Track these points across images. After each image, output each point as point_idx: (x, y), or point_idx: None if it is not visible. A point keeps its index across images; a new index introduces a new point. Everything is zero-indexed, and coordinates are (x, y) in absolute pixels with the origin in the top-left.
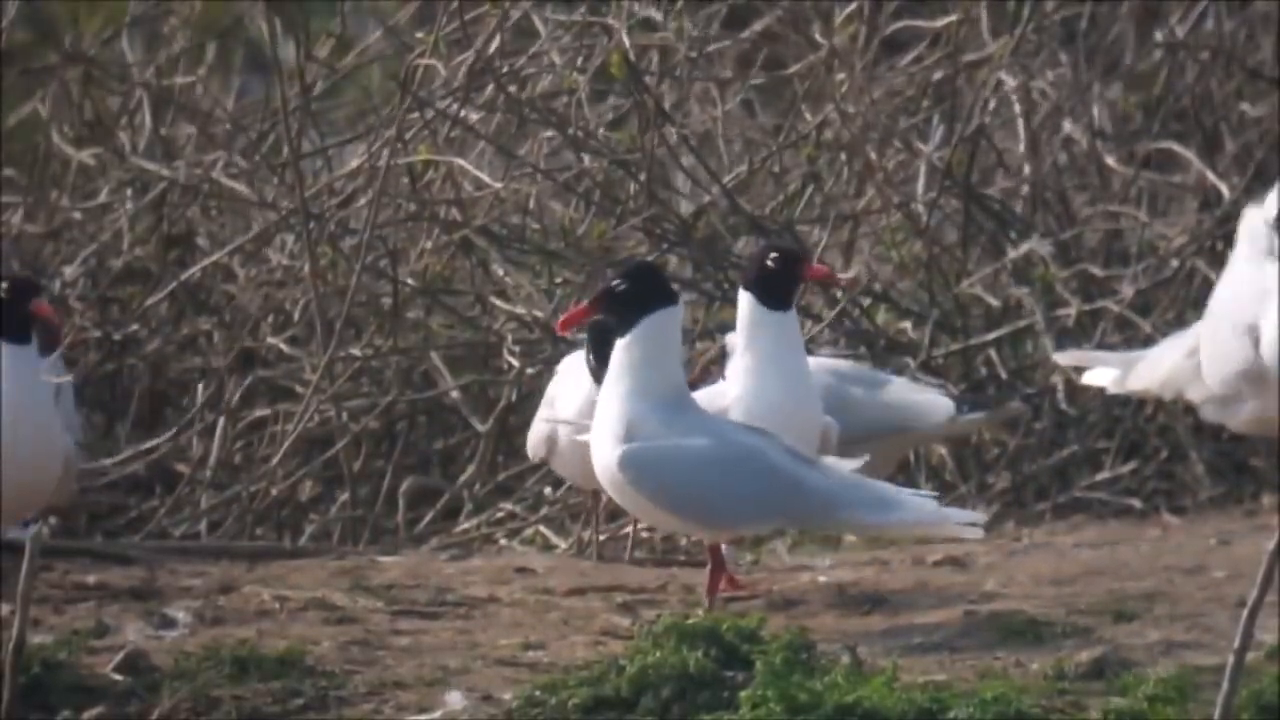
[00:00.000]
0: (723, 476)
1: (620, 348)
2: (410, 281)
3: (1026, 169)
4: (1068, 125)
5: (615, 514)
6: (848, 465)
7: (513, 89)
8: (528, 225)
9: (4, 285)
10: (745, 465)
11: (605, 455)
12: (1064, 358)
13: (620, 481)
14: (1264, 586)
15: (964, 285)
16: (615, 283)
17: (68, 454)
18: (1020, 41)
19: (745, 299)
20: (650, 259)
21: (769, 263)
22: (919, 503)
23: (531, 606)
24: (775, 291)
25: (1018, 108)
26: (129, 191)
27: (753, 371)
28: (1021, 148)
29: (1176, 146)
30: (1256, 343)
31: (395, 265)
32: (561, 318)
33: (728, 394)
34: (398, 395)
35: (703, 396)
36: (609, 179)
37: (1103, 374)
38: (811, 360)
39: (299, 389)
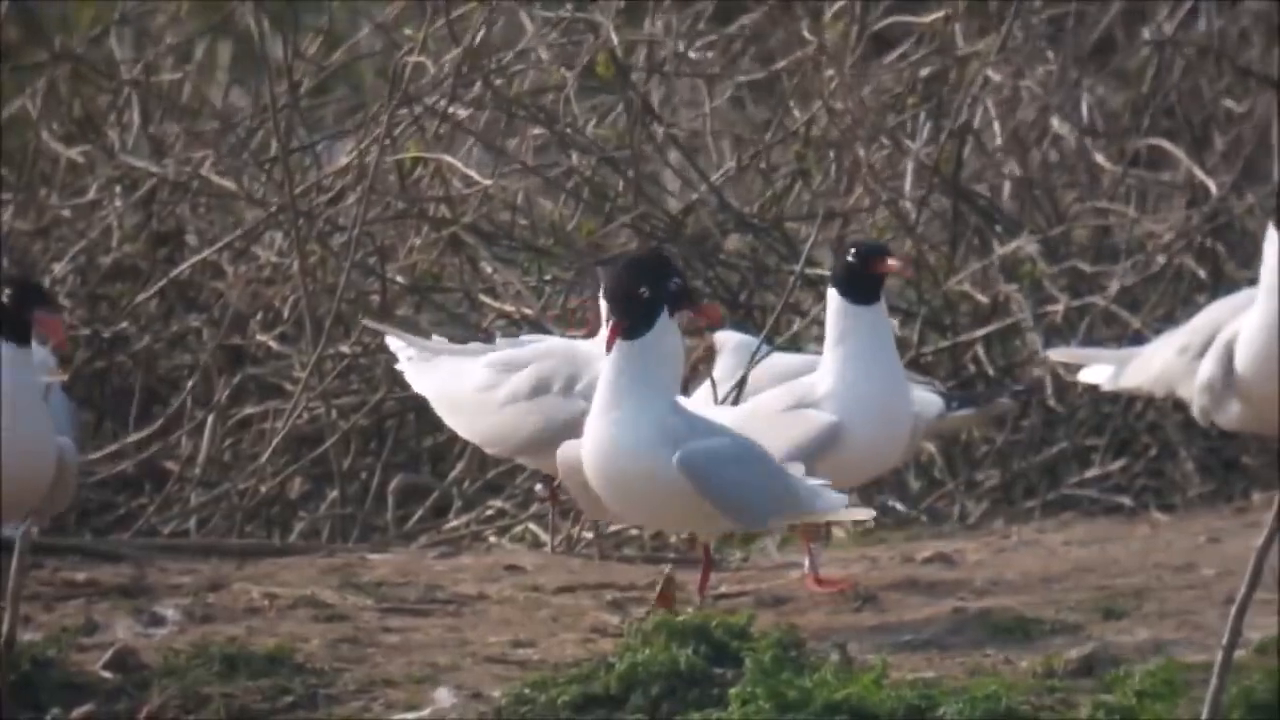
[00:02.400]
0: (762, 473)
1: (634, 352)
2: (399, 279)
3: (1014, 166)
4: (1055, 122)
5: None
6: None
7: (499, 83)
8: (516, 222)
9: (6, 291)
10: (767, 462)
11: (645, 460)
12: (1057, 354)
13: (672, 484)
14: (1253, 583)
15: (952, 282)
16: (641, 290)
17: (64, 453)
18: (1007, 38)
19: (832, 295)
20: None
21: (849, 258)
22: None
23: (521, 604)
24: (859, 286)
25: (997, 108)
26: (118, 189)
27: (845, 367)
28: (1009, 145)
29: (1165, 143)
30: (1232, 353)
31: (384, 262)
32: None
33: (817, 389)
34: (387, 393)
35: (788, 390)
36: (598, 176)
37: (1097, 372)
38: (801, 358)
39: (288, 386)
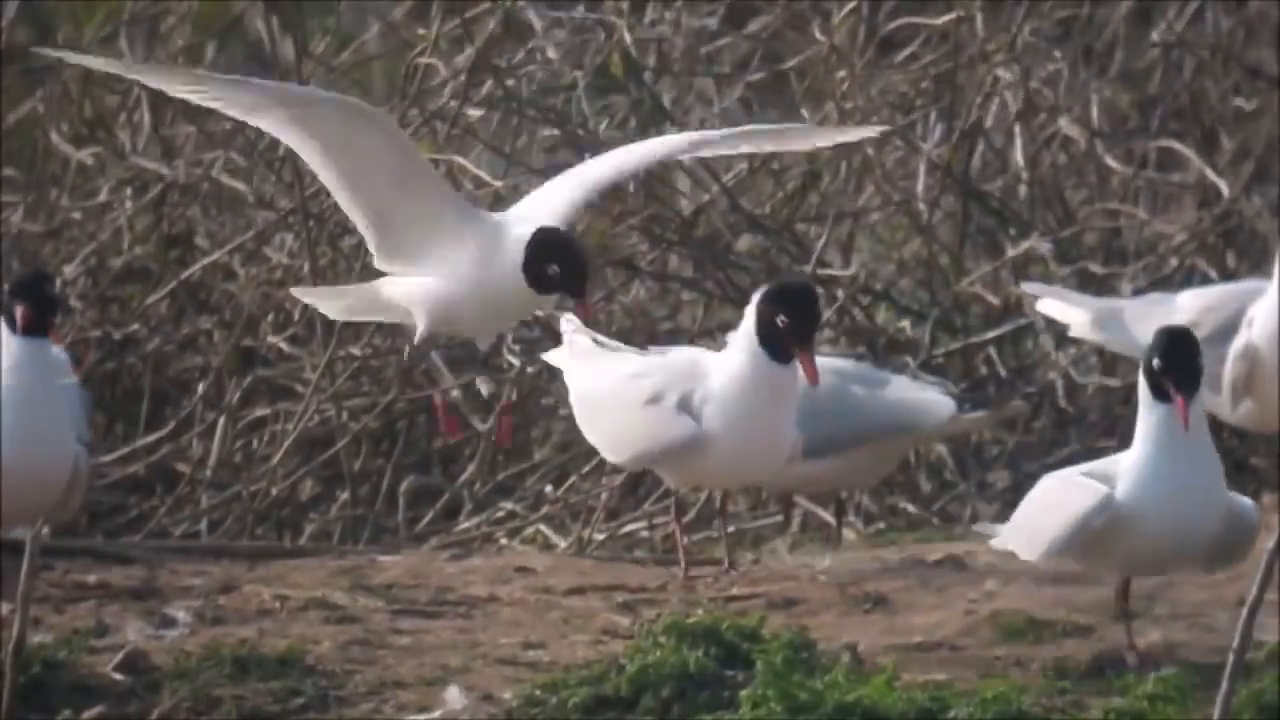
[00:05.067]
0: None
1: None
2: None
3: (1023, 166)
4: (1064, 123)
5: (615, 513)
6: None
7: (510, 83)
8: None
9: (32, 297)
10: None
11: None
12: (1029, 288)
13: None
14: (1263, 585)
15: (964, 284)
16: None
17: (77, 460)
18: (1017, 39)
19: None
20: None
21: (776, 318)
22: None
23: (532, 606)
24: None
25: (1014, 106)
26: (128, 190)
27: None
28: (1020, 145)
29: (1176, 145)
30: (1250, 325)
31: None
32: None
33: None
34: (398, 394)
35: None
36: None
37: (1064, 311)
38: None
39: (299, 388)
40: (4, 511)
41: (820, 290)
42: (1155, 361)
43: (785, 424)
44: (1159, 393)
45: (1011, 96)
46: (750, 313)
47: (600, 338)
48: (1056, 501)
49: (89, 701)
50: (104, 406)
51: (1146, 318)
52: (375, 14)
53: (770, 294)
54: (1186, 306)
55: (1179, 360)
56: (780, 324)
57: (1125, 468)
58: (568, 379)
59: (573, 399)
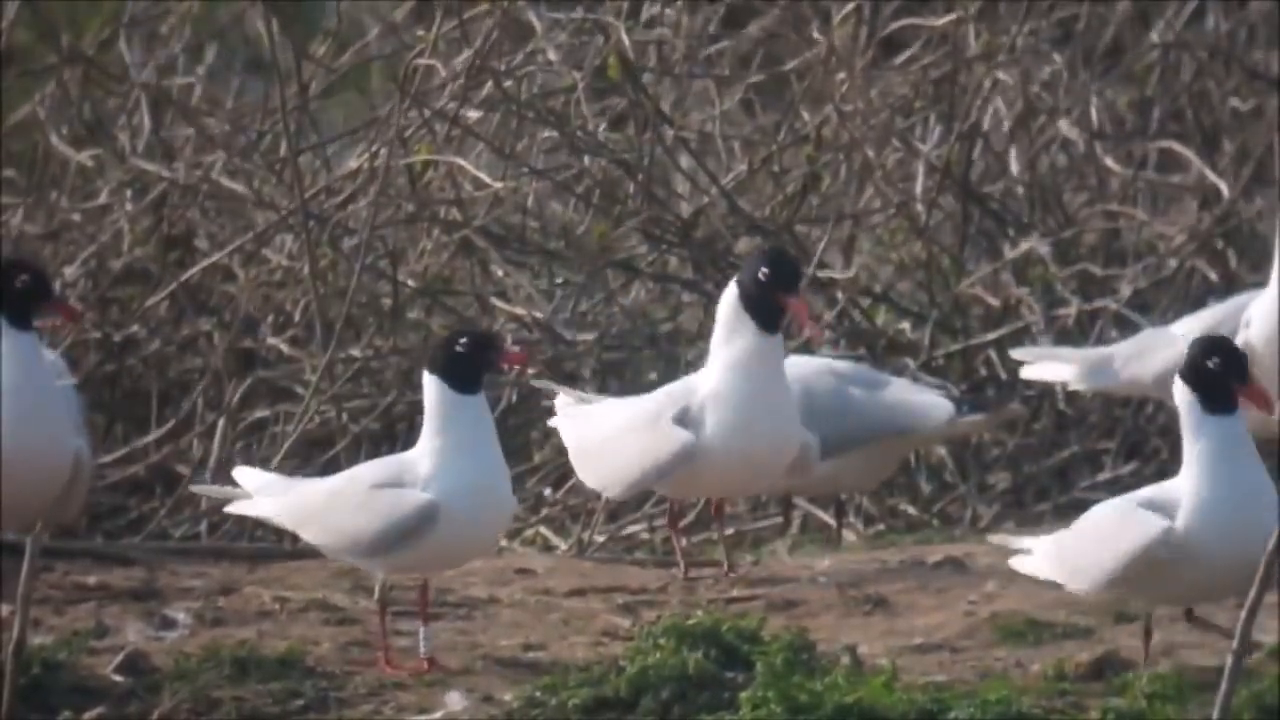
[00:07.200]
0: None
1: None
2: (410, 282)
3: (1022, 168)
4: (1064, 125)
5: (615, 514)
6: None
7: (509, 84)
8: (527, 225)
9: (21, 276)
10: None
11: None
12: (1018, 354)
13: None
14: (1262, 587)
15: (963, 285)
16: None
17: (79, 455)
18: (1016, 41)
19: (430, 381)
20: None
21: (458, 347)
22: None
23: (532, 607)
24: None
25: (1007, 108)
26: (128, 192)
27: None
28: (1018, 147)
29: (1176, 146)
30: (1248, 325)
31: (395, 266)
32: None
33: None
34: (398, 396)
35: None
36: (608, 179)
37: (1055, 370)
38: (813, 361)
39: (299, 390)
40: (5, 506)
41: (819, 292)
42: (1211, 363)
43: (785, 405)
44: (1216, 400)
45: (1010, 99)
46: (728, 300)
47: (585, 395)
48: (1112, 533)
49: (89, 702)
50: (104, 408)
51: (1144, 354)
52: (375, 15)
53: (746, 262)
54: (1187, 332)
55: (1231, 357)
56: (763, 277)
57: (1184, 496)
58: (564, 436)
59: (570, 447)
